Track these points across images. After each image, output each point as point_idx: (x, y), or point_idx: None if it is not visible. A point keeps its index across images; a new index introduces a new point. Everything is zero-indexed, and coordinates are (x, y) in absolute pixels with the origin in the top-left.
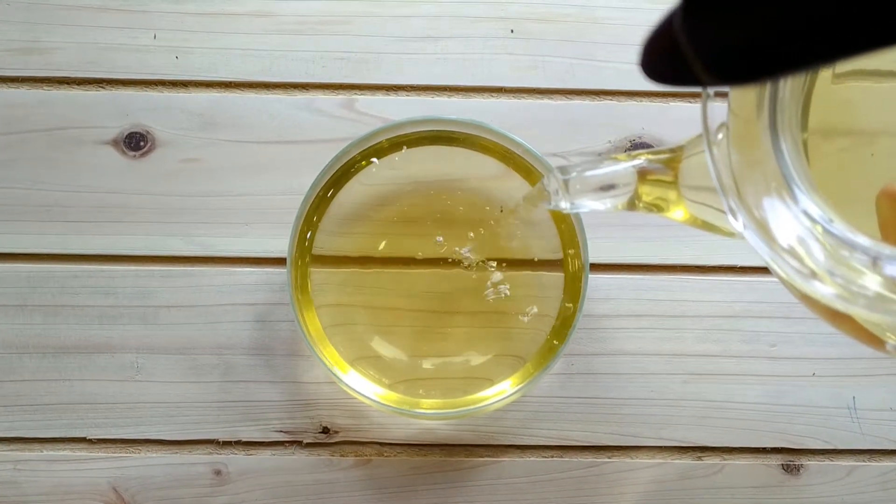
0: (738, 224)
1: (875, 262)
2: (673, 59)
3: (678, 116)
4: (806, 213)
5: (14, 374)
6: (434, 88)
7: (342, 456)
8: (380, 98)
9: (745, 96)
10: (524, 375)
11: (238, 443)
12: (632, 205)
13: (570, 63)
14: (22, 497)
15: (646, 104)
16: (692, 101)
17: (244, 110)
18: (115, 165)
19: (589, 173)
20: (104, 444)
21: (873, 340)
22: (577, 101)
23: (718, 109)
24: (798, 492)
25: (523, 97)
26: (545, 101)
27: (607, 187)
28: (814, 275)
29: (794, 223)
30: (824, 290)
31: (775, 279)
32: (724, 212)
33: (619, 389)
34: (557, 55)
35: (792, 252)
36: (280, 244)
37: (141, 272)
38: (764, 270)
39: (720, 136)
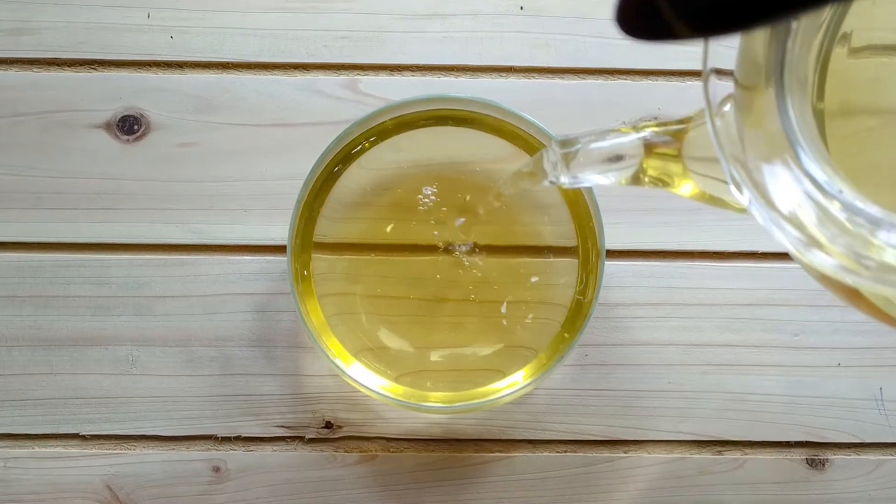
0: (741, 195)
1: (887, 230)
2: (647, 9)
3: (696, 95)
4: (810, 177)
5: (3, 368)
6: (440, 68)
7: (346, 452)
8: (384, 78)
9: (751, 63)
10: (537, 367)
11: (238, 438)
12: (636, 179)
13: (583, 41)
14: (12, 496)
15: (661, 83)
16: None
17: (242, 92)
18: (108, 150)
19: (593, 146)
20: (98, 441)
21: (890, 320)
22: (590, 81)
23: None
24: (823, 487)
25: (534, 77)
26: (556, 81)
27: (612, 159)
28: (816, 244)
29: (797, 187)
30: (827, 261)
31: (798, 266)
32: (728, 184)
33: (636, 381)
34: (569, 33)
35: (793, 220)
36: (280, 231)
37: (135, 261)
38: (786, 257)
39: (727, 107)
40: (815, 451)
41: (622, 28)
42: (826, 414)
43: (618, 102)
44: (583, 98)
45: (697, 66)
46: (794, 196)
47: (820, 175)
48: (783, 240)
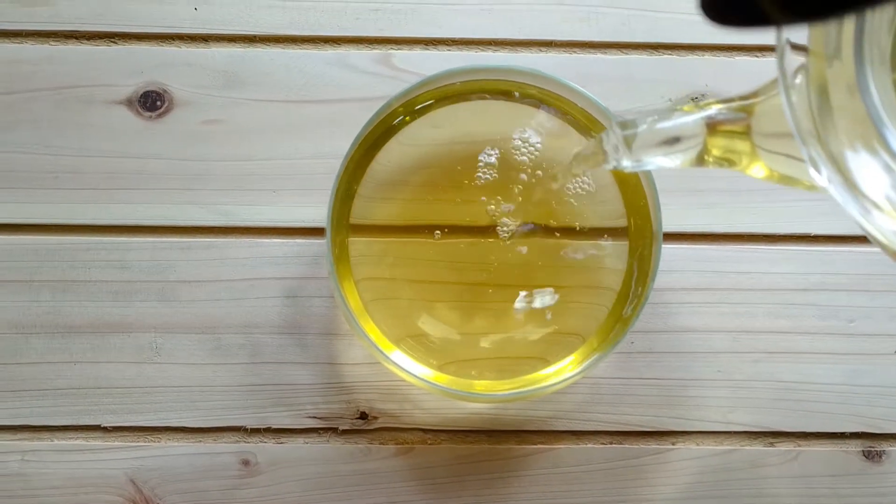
0: (819, 176)
1: None
2: None
3: (744, 70)
4: None
5: (20, 356)
6: (478, 42)
7: (382, 444)
8: (418, 53)
9: (826, 34)
10: (585, 354)
11: (268, 430)
12: (700, 160)
13: (626, 14)
14: (30, 491)
15: (708, 58)
16: (759, 54)
17: (270, 67)
18: (130, 127)
19: (656, 126)
20: (120, 433)
21: None
22: (634, 56)
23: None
24: (880, 480)
25: (575, 52)
26: (598, 56)
27: (675, 140)
28: None
29: (885, 173)
30: None
31: (853, 249)
32: (803, 161)
33: (684, 370)
34: (612, 6)
35: (884, 207)
36: (310, 212)
37: (159, 244)
38: (841, 240)
39: (798, 79)
40: (872, 443)
41: (708, 15)
42: (883, 404)
43: (663, 78)
44: (627, 74)
45: (745, 41)
46: (885, 182)
47: None
48: (871, 229)
